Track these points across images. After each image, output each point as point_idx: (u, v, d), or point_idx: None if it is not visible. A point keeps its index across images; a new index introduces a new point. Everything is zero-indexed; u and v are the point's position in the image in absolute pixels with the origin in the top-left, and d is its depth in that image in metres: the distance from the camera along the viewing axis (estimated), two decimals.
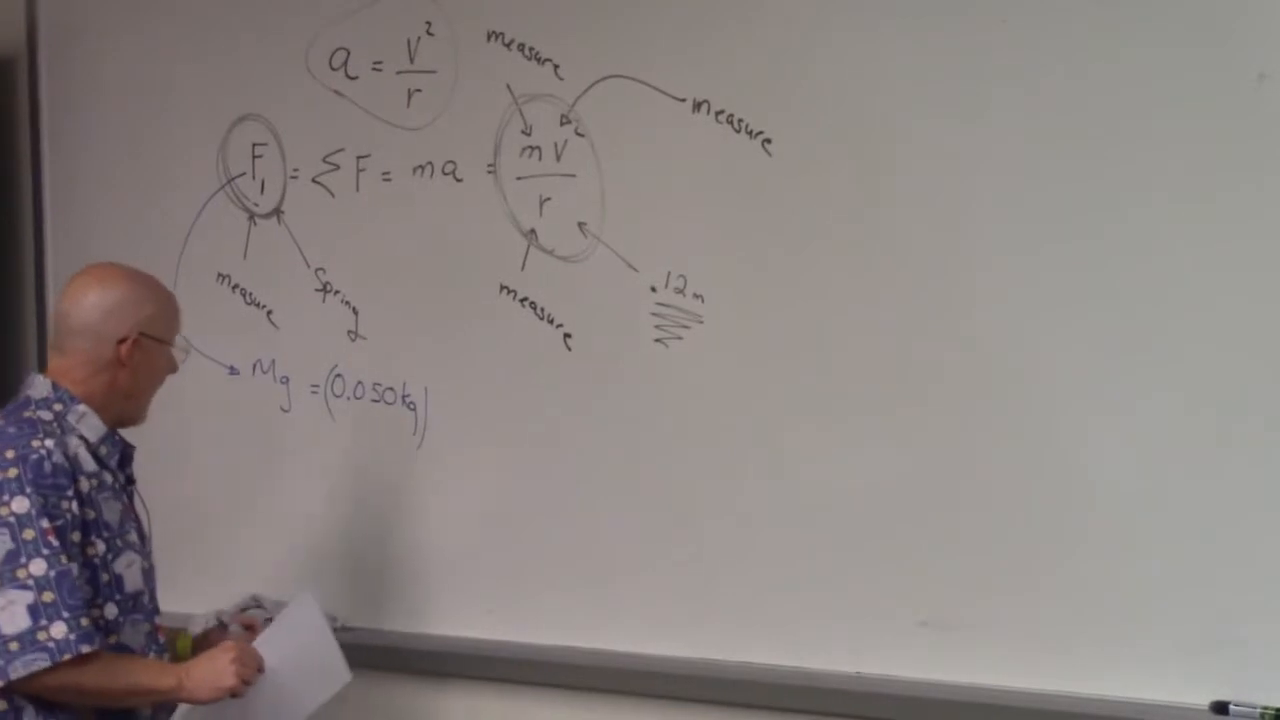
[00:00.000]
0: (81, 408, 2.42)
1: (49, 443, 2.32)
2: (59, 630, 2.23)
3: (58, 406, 2.41)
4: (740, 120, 2.68)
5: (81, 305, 2.45)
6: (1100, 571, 2.43)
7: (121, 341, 2.43)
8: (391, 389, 3.04)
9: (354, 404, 3.09)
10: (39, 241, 3.51)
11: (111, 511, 2.39)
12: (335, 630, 3.03)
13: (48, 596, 2.23)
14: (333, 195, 3.12)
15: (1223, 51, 2.34)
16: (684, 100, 2.73)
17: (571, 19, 2.84)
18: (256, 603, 2.78)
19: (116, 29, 3.38)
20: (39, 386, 2.44)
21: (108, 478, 2.42)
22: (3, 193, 3.61)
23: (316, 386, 3.12)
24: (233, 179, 3.23)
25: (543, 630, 2.91)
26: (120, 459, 2.48)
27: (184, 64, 3.29)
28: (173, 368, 2.55)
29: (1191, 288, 2.37)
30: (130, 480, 2.52)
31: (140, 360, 2.46)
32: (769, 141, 2.66)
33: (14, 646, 2.23)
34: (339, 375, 3.11)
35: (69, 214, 3.47)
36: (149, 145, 3.34)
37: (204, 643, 2.62)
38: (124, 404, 2.48)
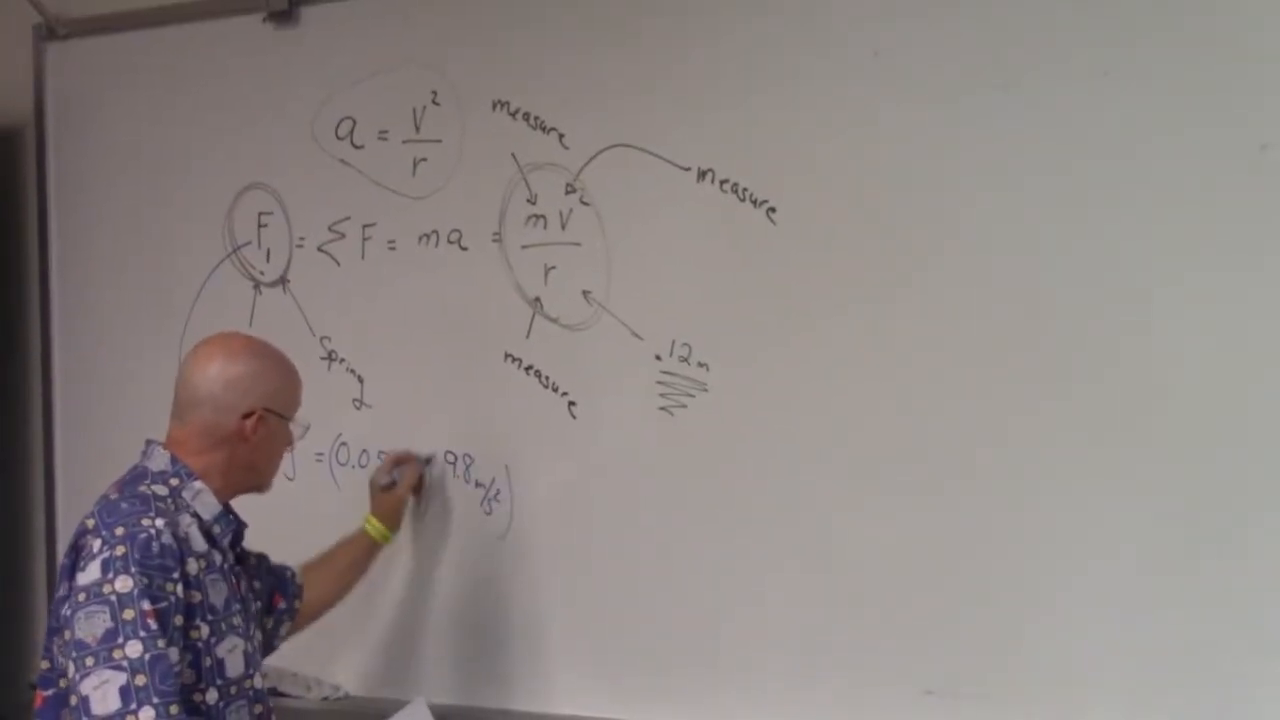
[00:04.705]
0: (198, 484, 2.41)
1: (159, 522, 2.31)
2: (147, 715, 2.20)
3: (174, 481, 2.40)
4: (745, 189, 2.69)
5: (206, 375, 2.45)
6: (1110, 644, 2.42)
7: (246, 416, 2.44)
8: None
9: (358, 472, 3.08)
10: (45, 310, 3.51)
11: (217, 594, 2.38)
12: (340, 698, 3.05)
13: (140, 680, 2.21)
14: (338, 264, 3.13)
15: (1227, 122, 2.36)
16: (688, 169, 2.74)
17: (576, 89, 2.86)
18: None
19: (123, 99, 3.40)
20: (157, 458, 2.43)
21: (217, 558, 2.40)
22: (10, 261, 3.63)
23: (321, 454, 3.11)
24: (239, 248, 3.25)
25: (539, 697, 2.89)
26: (233, 539, 2.47)
27: (190, 133, 3.31)
28: (290, 443, 2.56)
29: (1195, 367, 2.38)
30: (240, 559, 2.51)
31: (263, 435, 2.47)
32: (773, 210, 2.67)
33: None
34: (344, 443, 3.11)
35: (76, 282, 3.48)
36: (155, 214, 3.35)
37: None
38: (245, 476, 2.49)
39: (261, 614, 2.68)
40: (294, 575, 2.79)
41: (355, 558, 2.90)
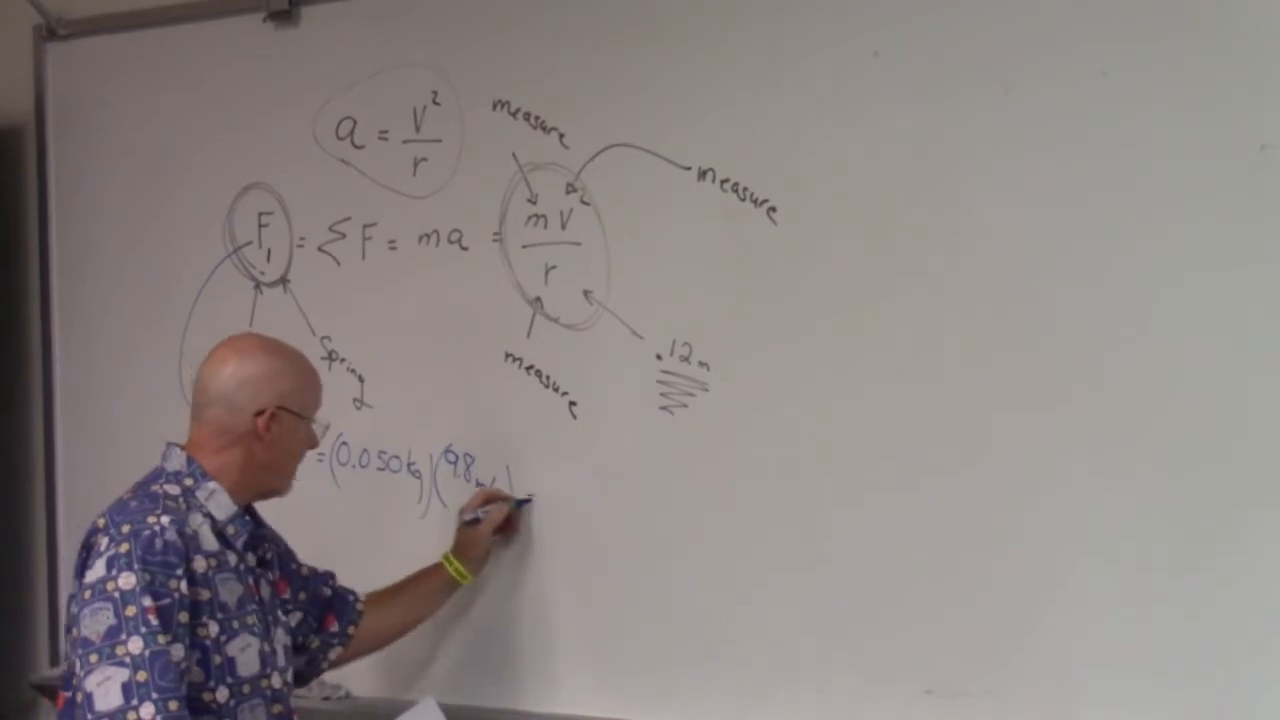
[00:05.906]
0: (212, 485, 2.41)
1: (165, 519, 2.31)
2: (147, 712, 2.21)
3: (188, 482, 2.41)
4: (745, 189, 2.69)
5: (219, 375, 2.46)
6: (1110, 644, 2.43)
7: (259, 414, 2.44)
8: (397, 457, 3.04)
9: (359, 472, 3.09)
10: (45, 310, 3.51)
11: (229, 593, 2.38)
12: (341, 698, 3.05)
13: (141, 676, 2.22)
14: (339, 264, 3.13)
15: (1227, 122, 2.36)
16: (688, 169, 2.74)
17: (576, 88, 2.86)
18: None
19: (124, 98, 3.40)
20: (174, 459, 2.44)
21: (230, 558, 2.40)
22: (10, 260, 3.62)
23: (322, 454, 3.09)
24: (239, 248, 3.25)
25: (542, 698, 2.89)
26: (250, 540, 2.47)
27: (191, 133, 3.31)
28: (312, 443, 2.55)
29: (1195, 367, 2.38)
30: (261, 563, 2.51)
31: (278, 434, 2.46)
32: (774, 210, 2.67)
33: None
34: (344, 443, 3.10)
35: (76, 282, 3.48)
36: (155, 214, 3.35)
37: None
38: (263, 475, 2.48)
39: (310, 632, 2.68)
40: (356, 600, 2.76)
41: (425, 592, 2.82)
